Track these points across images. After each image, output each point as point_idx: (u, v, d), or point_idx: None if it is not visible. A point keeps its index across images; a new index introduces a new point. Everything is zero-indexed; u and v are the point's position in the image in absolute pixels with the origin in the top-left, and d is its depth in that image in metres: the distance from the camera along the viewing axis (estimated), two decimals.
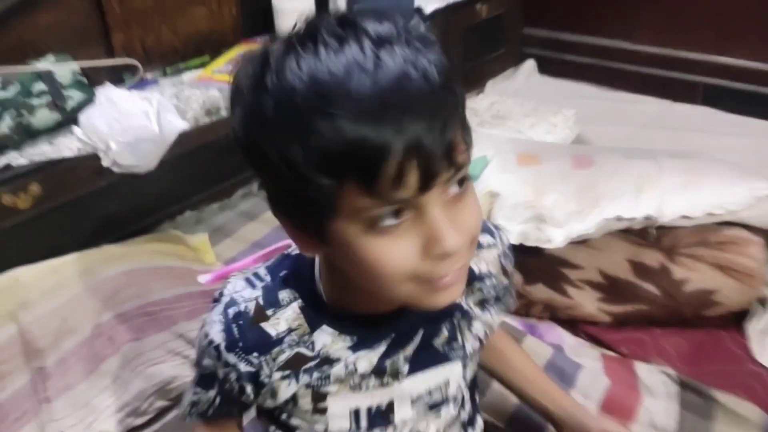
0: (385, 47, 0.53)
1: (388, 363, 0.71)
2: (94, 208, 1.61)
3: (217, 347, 0.68)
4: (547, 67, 2.54)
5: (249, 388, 0.70)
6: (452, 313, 0.75)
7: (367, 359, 0.70)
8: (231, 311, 0.68)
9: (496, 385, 1.07)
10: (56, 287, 1.38)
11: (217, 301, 0.71)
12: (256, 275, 0.71)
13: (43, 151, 1.48)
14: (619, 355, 1.31)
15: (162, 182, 1.68)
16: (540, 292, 1.39)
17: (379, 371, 0.71)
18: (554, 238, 1.36)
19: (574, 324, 1.38)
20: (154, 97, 1.64)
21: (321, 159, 0.52)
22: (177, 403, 1.21)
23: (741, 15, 2.23)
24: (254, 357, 0.68)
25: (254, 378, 0.69)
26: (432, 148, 0.52)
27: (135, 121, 1.57)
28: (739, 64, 2.28)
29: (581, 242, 1.39)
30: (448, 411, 0.78)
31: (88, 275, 1.42)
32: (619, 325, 1.36)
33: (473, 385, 0.84)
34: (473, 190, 0.60)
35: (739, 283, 1.31)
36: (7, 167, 1.44)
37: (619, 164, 1.48)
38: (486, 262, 0.76)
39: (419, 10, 2.20)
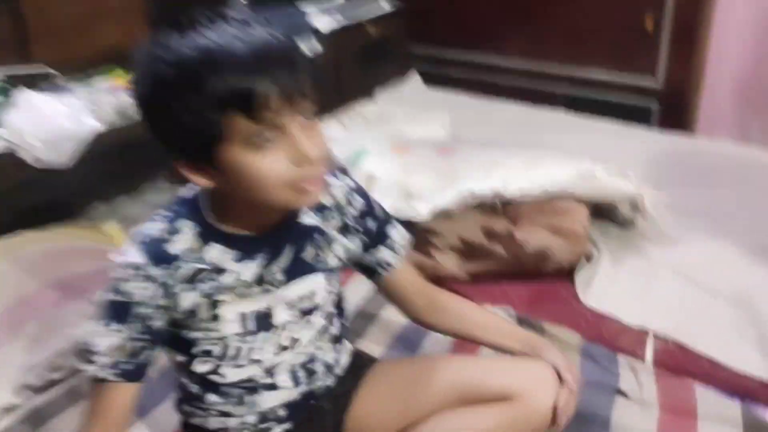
0: (247, 22, 0.79)
1: (266, 272, 0.92)
2: (14, 201, 1.78)
3: (137, 266, 0.85)
4: (429, 81, 2.85)
5: (163, 301, 0.87)
6: (313, 234, 0.97)
7: (249, 269, 0.90)
8: (142, 238, 0.87)
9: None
10: None
11: (129, 238, 0.89)
12: (157, 215, 0.90)
13: None
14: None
15: (76, 179, 1.86)
16: (410, 256, 1.65)
17: (260, 280, 0.91)
18: (420, 211, 1.63)
19: (440, 281, 1.63)
20: (72, 101, 1.83)
21: (213, 101, 0.76)
22: None
23: (594, 36, 2.61)
24: (164, 268, 0.86)
25: (166, 290, 0.87)
26: (289, 84, 0.78)
27: (54, 121, 1.75)
28: (591, 76, 2.65)
29: (444, 214, 1.66)
30: (318, 319, 0.99)
31: (9, 254, 1.58)
32: (475, 280, 1.63)
33: (339, 310, 1.06)
34: (320, 126, 0.84)
35: (568, 242, 1.62)
36: None
37: (474, 151, 1.78)
38: (333, 196, 0.99)
39: (317, 31, 2.47)
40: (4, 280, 1.51)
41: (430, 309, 1.10)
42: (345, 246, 1.01)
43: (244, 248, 0.90)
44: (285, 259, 0.94)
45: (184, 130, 0.79)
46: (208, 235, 0.88)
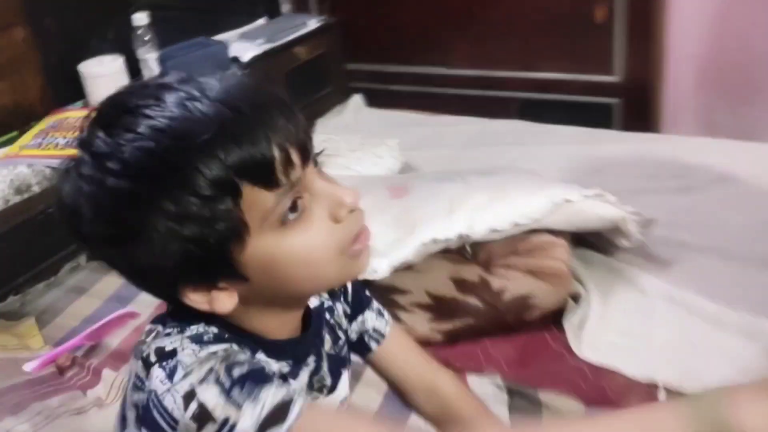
0: (196, 82, 0.59)
1: (315, 380, 0.74)
2: None
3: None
4: (375, 100, 2.63)
5: None
6: (325, 317, 0.79)
7: (302, 379, 0.72)
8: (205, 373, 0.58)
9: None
10: None
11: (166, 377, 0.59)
12: (170, 350, 0.61)
13: None
14: (453, 371, 1.36)
15: None
16: None
17: (310, 388, 0.73)
18: (379, 268, 1.41)
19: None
20: None
21: (215, 190, 0.56)
22: None
23: (540, 33, 2.41)
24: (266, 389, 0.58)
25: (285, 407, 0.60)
26: (296, 131, 0.60)
27: None
28: (545, 77, 2.47)
29: (406, 268, 1.44)
30: None
31: None
32: (451, 340, 1.42)
33: None
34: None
35: (550, 285, 1.41)
36: None
37: (430, 190, 1.56)
38: None
39: (236, 59, 2.22)
40: None
41: (433, 405, 0.88)
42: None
43: (295, 356, 0.71)
44: (326, 359, 0.76)
45: (185, 247, 0.57)
46: (249, 348, 0.65)
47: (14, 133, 1.82)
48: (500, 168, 1.74)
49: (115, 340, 1.54)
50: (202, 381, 0.56)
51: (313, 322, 0.74)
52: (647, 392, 1.24)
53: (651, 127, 2.32)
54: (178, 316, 0.65)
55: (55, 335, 1.56)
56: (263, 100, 0.60)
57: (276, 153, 0.57)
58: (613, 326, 1.40)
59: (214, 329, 0.64)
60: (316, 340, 0.75)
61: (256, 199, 0.57)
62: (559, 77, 2.44)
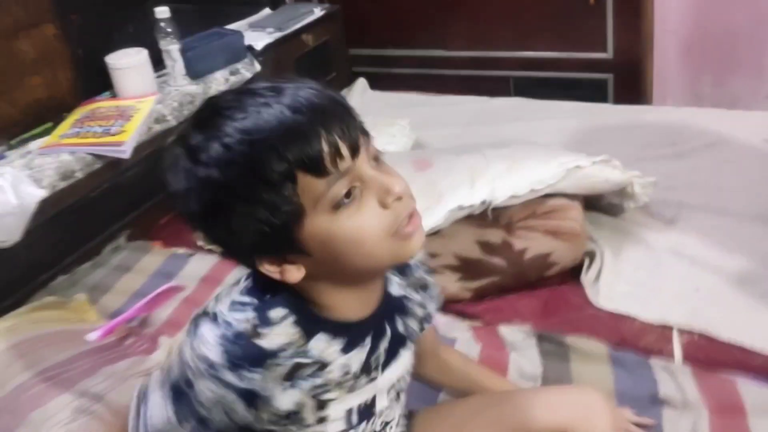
0: (274, 90, 0.70)
1: (373, 359, 0.83)
2: None
3: (213, 365, 0.72)
4: (377, 83, 2.75)
5: (241, 408, 0.74)
6: (402, 301, 0.88)
7: (357, 359, 0.81)
8: (229, 332, 0.73)
9: None
10: None
11: (204, 320, 0.75)
12: (240, 302, 0.75)
13: None
14: (484, 323, 1.50)
15: (30, 252, 1.69)
16: None
17: (367, 368, 0.82)
18: None
19: (443, 305, 1.55)
20: (6, 170, 1.66)
21: (278, 179, 0.67)
22: None
23: (534, 14, 2.55)
24: (251, 372, 0.72)
25: (250, 396, 0.74)
26: (347, 128, 0.70)
27: None
28: (538, 55, 2.60)
29: (435, 234, 1.57)
30: (404, 396, 0.92)
31: None
32: (479, 298, 1.56)
33: None
34: (388, 165, 0.76)
35: (568, 243, 1.55)
36: None
37: (452, 162, 1.69)
38: None
39: (251, 48, 2.33)
40: None
41: (438, 369, 1.08)
42: (422, 305, 0.93)
43: (352, 335, 0.80)
44: (387, 338, 0.85)
45: (258, 226, 0.69)
46: (311, 325, 0.77)
47: (49, 125, 1.91)
48: (511, 141, 1.87)
49: (166, 311, 1.64)
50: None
51: (381, 307, 0.83)
52: (661, 333, 1.39)
53: (642, 99, 2.47)
54: (260, 283, 0.77)
55: (107, 310, 1.66)
56: (322, 103, 0.70)
57: (325, 147, 0.68)
58: (625, 278, 1.55)
59: (281, 311, 0.75)
60: (382, 322, 0.84)
61: (310, 185, 0.68)
62: (554, 55, 2.58)
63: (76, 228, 1.81)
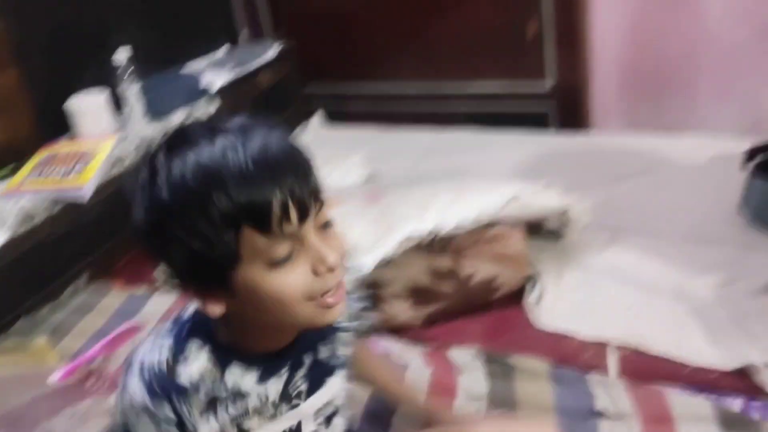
0: (246, 133, 0.74)
1: (291, 388, 0.87)
2: None
3: (144, 405, 0.78)
4: (333, 119, 2.85)
5: None
6: (327, 331, 0.91)
7: (274, 388, 0.85)
8: (146, 372, 0.79)
9: None
10: None
11: (128, 369, 0.81)
12: (158, 337, 0.82)
13: None
14: (434, 348, 1.57)
15: None
16: None
17: (286, 397, 0.86)
18: (365, 265, 1.61)
19: (395, 332, 1.63)
20: None
21: (222, 221, 0.70)
22: None
23: (482, 49, 2.68)
24: (176, 404, 0.79)
25: (182, 426, 0.80)
26: (301, 192, 0.72)
27: None
28: (485, 88, 2.73)
29: (387, 263, 1.65)
30: (339, 420, 0.96)
31: None
32: (430, 323, 1.64)
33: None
34: (336, 227, 0.79)
35: (511, 268, 1.65)
36: None
37: (402, 194, 1.78)
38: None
39: (208, 88, 2.40)
40: None
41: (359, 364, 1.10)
42: (352, 333, 0.97)
43: (268, 366, 0.84)
44: (306, 367, 0.89)
45: (194, 256, 0.73)
46: (225, 356, 0.82)
47: (10, 168, 1.96)
48: (460, 172, 1.98)
49: (126, 351, 1.68)
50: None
51: (301, 338, 0.86)
52: (598, 350, 1.48)
53: (583, 127, 2.60)
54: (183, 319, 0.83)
55: (68, 351, 1.70)
56: (284, 161, 0.72)
57: (276, 208, 0.70)
58: (564, 299, 1.64)
59: (196, 343, 0.81)
60: (300, 353, 0.87)
61: (252, 238, 0.71)
62: (499, 90, 2.71)
63: (37, 270, 1.85)
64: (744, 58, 2.35)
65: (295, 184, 0.72)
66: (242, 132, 0.74)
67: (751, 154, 1.90)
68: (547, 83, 2.61)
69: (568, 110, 2.62)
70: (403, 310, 1.64)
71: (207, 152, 0.72)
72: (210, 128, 0.75)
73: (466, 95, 2.75)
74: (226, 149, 0.71)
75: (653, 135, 2.38)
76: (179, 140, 0.75)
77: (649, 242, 1.81)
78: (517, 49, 2.59)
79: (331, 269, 0.75)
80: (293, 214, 0.72)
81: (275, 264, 0.73)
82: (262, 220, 0.71)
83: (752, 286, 1.60)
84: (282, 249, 0.73)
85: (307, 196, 0.73)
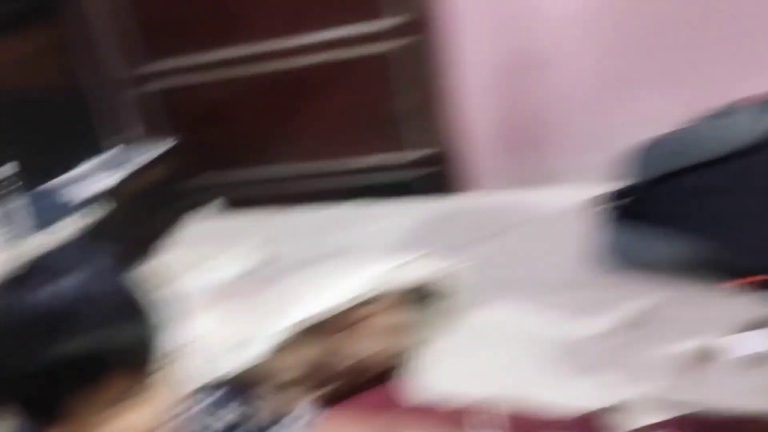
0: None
1: None
2: None
3: None
4: (236, 206, 2.94)
5: None
6: None
7: None
8: None
9: None
10: None
11: None
12: None
13: None
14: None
15: None
16: None
17: None
18: (258, 353, 1.65)
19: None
20: None
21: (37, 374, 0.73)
22: None
23: (346, 128, 2.84)
24: None
25: None
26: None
27: None
28: (360, 164, 2.88)
29: (276, 352, 1.69)
30: None
31: None
32: (326, 405, 1.66)
33: None
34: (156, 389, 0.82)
35: (393, 340, 1.73)
36: None
37: (290, 279, 1.86)
38: None
39: (93, 195, 2.42)
40: None
41: None
42: None
43: None
44: None
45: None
46: None
47: None
48: (348, 249, 2.15)
49: None
50: None
51: None
52: (484, 408, 1.55)
53: (456, 190, 2.76)
54: None
55: None
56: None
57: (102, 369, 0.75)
58: (449, 362, 1.73)
59: None
60: None
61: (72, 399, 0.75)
62: (381, 160, 2.87)
63: None
64: (598, 110, 2.54)
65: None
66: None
67: (617, 197, 2.02)
68: (410, 155, 2.80)
69: (449, 174, 2.76)
70: (298, 396, 1.67)
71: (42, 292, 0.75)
72: (50, 276, 0.77)
73: (344, 171, 2.90)
74: (54, 301, 0.75)
75: (529, 189, 2.53)
76: (20, 275, 0.78)
77: (530, 294, 1.91)
78: (381, 123, 2.77)
79: None
80: (116, 373, 0.77)
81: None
82: (81, 380, 0.75)
83: (625, 323, 1.71)
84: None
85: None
